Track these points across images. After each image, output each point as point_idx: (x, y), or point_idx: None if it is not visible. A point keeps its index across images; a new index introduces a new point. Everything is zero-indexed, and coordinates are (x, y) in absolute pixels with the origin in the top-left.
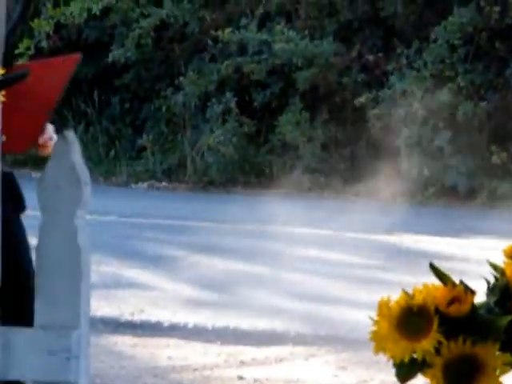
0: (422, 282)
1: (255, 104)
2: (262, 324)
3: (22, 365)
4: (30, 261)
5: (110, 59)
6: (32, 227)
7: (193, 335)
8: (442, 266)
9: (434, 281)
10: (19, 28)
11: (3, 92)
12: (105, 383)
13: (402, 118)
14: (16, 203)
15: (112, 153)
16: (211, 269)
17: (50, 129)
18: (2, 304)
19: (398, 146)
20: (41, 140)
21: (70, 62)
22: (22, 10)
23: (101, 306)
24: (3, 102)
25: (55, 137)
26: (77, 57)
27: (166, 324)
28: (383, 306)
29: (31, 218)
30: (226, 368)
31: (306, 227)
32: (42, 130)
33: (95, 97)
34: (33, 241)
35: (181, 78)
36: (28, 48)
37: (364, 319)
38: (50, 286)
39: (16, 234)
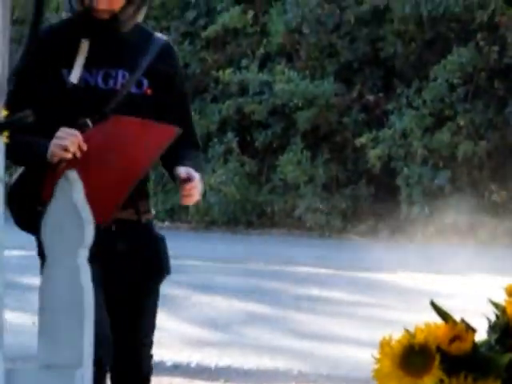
0: (422, 319)
1: (256, 144)
2: (264, 362)
3: None
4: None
5: None
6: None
7: (196, 374)
8: (443, 303)
9: (435, 318)
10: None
11: (6, 133)
12: None
13: (402, 158)
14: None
15: None
16: (214, 308)
17: (194, 176)
18: None
19: (398, 185)
20: (186, 190)
21: (169, 133)
22: (25, 51)
23: None
24: (91, 156)
25: (198, 184)
26: (175, 129)
27: (168, 363)
28: (385, 345)
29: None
30: None
31: (307, 266)
32: (123, 199)
33: None
34: (35, 280)
35: None
36: None
37: (366, 357)
38: (54, 325)
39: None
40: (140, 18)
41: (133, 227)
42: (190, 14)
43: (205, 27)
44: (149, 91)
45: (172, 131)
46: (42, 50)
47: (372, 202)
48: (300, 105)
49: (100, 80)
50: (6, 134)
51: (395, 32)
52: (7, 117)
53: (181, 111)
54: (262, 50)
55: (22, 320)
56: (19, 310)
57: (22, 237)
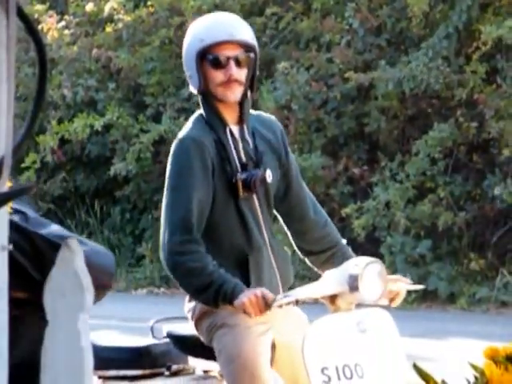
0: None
1: None
2: None
3: None
4: None
5: (111, 172)
6: None
7: None
8: (425, 366)
9: (417, 381)
10: (25, 143)
11: (10, 204)
12: None
13: (385, 227)
14: None
15: None
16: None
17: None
18: None
19: (382, 253)
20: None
21: None
22: (28, 125)
23: None
24: None
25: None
26: None
27: None
28: None
29: None
30: None
31: None
32: None
33: (97, 208)
34: None
35: None
36: (34, 162)
37: None
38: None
39: None
40: None
41: None
42: (185, 92)
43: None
44: None
45: None
46: None
47: None
48: None
49: None
50: (10, 204)
51: (379, 108)
52: (10, 188)
53: None
54: None
55: None
56: None
57: None
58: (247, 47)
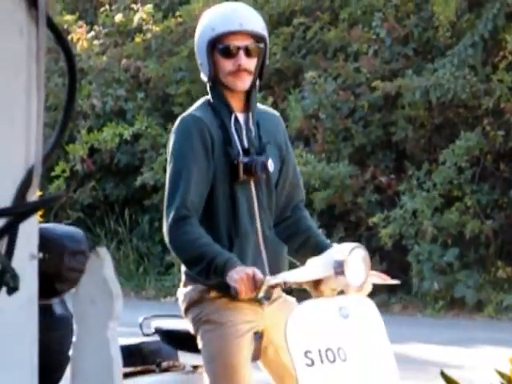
0: None
1: None
2: None
3: None
4: None
5: (139, 182)
6: None
7: None
8: (452, 373)
9: None
10: (55, 152)
11: (40, 212)
12: None
13: (412, 236)
14: None
15: (142, 269)
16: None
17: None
18: None
19: (409, 262)
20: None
21: None
22: (58, 135)
23: None
24: None
25: None
26: None
27: None
28: None
29: None
30: None
31: None
32: None
33: (126, 216)
34: None
35: None
36: (63, 171)
37: None
38: None
39: None
40: None
41: None
42: None
43: None
44: None
45: None
46: None
47: None
48: (317, 186)
49: None
50: (40, 212)
51: (406, 117)
52: (41, 196)
53: None
54: None
55: None
56: None
57: None
58: (257, 37)
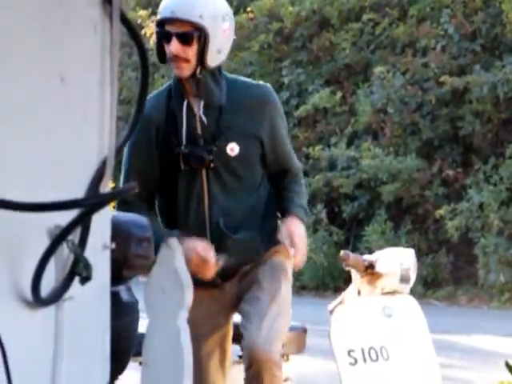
0: (497, 379)
1: (344, 215)
2: None
3: None
4: None
5: None
6: None
7: None
8: None
9: (510, 378)
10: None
11: (113, 204)
12: None
13: (479, 229)
14: None
15: None
16: (301, 368)
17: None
18: None
19: (475, 254)
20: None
21: None
22: (131, 127)
23: None
24: None
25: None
26: None
27: None
28: None
29: None
30: None
31: None
32: None
33: None
34: None
35: None
36: None
37: None
38: (155, 381)
39: None
40: None
41: None
42: (284, 95)
43: (297, 107)
44: None
45: None
46: None
47: (451, 269)
48: (384, 179)
49: None
50: (112, 204)
51: (474, 112)
52: (113, 188)
53: None
54: (349, 129)
55: None
56: None
57: None
58: (195, 25)
